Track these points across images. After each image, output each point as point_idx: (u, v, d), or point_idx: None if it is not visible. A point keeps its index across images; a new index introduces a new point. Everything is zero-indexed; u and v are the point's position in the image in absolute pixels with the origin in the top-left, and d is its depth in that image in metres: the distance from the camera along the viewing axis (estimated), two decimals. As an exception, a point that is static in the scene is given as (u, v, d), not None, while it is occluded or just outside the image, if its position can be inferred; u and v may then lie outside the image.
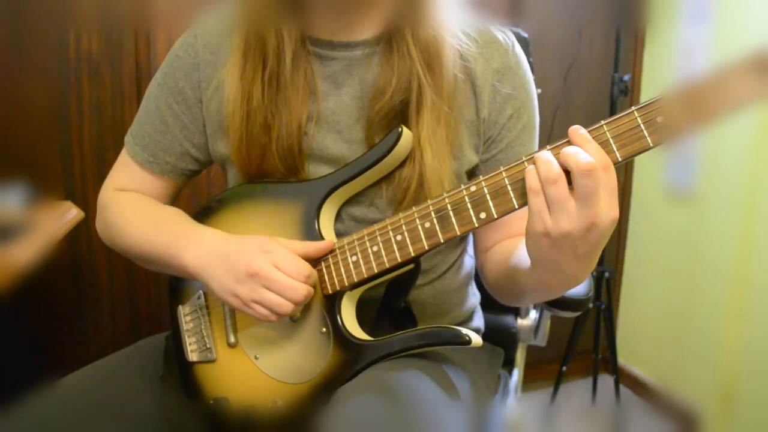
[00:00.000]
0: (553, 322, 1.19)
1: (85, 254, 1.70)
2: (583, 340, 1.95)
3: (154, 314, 1.80)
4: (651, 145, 0.64)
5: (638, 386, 2.17)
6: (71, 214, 1.39)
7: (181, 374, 0.90)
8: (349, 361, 0.79)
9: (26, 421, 0.77)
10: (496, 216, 0.71)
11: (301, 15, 0.83)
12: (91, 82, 1.63)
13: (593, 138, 0.65)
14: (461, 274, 0.97)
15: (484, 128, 0.86)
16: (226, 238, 0.82)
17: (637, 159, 0.67)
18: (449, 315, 0.95)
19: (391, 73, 0.82)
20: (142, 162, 0.93)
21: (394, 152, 0.80)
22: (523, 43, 0.93)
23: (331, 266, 0.80)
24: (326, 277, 0.81)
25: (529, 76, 0.89)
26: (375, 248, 0.78)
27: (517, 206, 0.69)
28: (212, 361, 0.87)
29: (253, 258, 0.76)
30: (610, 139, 0.65)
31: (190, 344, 0.89)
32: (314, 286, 0.79)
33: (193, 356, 0.88)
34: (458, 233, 0.73)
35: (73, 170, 1.65)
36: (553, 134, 1.94)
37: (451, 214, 0.73)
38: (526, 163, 0.68)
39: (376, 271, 0.78)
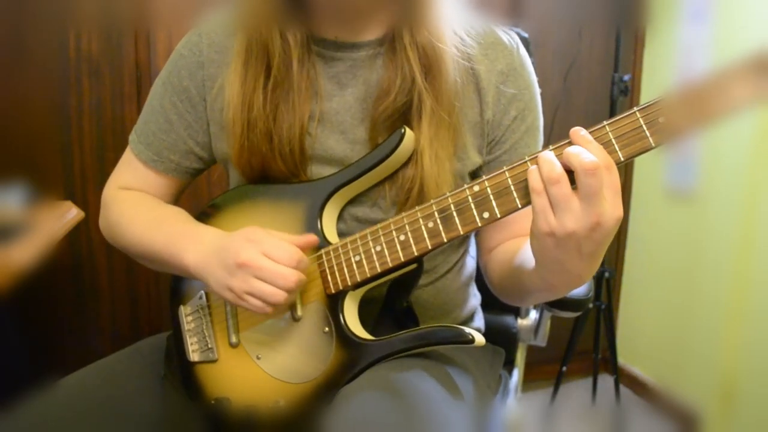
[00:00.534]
0: (553, 322, 1.19)
1: (85, 254, 1.70)
2: (583, 340, 1.95)
3: (155, 314, 1.80)
4: (653, 145, 0.64)
5: (638, 386, 2.17)
6: (71, 214, 1.39)
7: (182, 374, 0.90)
8: (352, 360, 0.79)
9: (26, 421, 0.77)
10: (499, 216, 0.71)
11: (305, 16, 0.83)
12: (91, 82, 1.63)
13: (595, 138, 0.65)
14: (463, 275, 0.97)
15: (488, 130, 0.86)
16: (221, 234, 0.82)
17: (637, 159, 0.67)
18: (450, 315, 0.95)
19: (394, 75, 0.82)
20: (146, 160, 0.93)
21: (397, 153, 0.81)
22: (523, 43, 0.93)
23: (334, 266, 0.80)
24: (329, 276, 0.80)
25: (534, 78, 0.89)
26: (378, 248, 0.78)
27: (520, 206, 0.70)
28: (214, 361, 0.87)
29: (241, 248, 0.76)
30: (613, 140, 0.65)
31: (191, 344, 0.89)
32: (317, 287, 0.79)
33: (194, 356, 0.88)
34: (461, 233, 0.73)
35: (73, 170, 1.65)
36: (553, 134, 1.93)
37: (455, 213, 0.73)
38: (528, 164, 0.68)
39: (379, 270, 0.78)
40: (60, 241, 1.31)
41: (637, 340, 2.20)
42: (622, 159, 0.65)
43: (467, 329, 0.76)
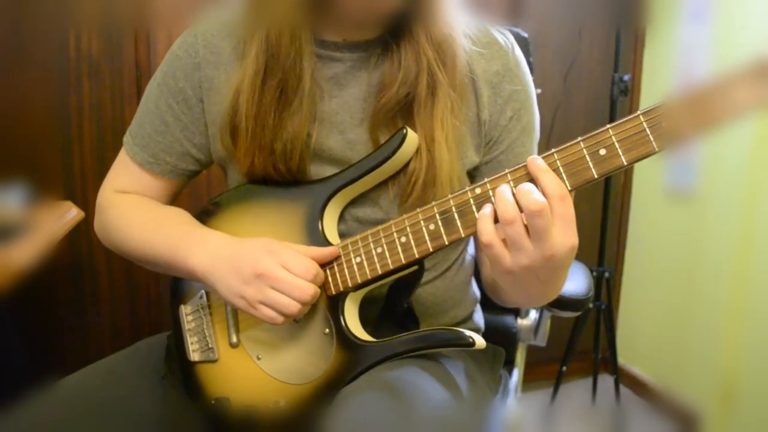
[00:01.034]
0: (553, 322, 1.19)
1: (85, 254, 1.70)
2: (583, 340, 1.95)
3: (154, 314, 1.80)
4: (656, 149, 0.64)
5: (638, 386, 2.17)
6: (71, 214, 1.39)
7: (182, 374, 0.90)
8: (352, 362, 0.79)
9: (26, 421, 0.77)
10: None
11: (316, 19, 0.82)
12: (91, 82, 1.63)
13: (599, 141, 0.66)
14: (463, 273, 0.97)
15: (485, 130, 0.87)
16: (231, 240, 0.82)
17: (638, 159, 0.67)
18: (450, 313, 0.95)
19: (397, 69, 0.82)
20: (141, 163, 0.93)
21: (399, 153, 0.80)
22: (523, 43, 0.93)
23: (335, 267, 0.80)
24: (330, 278, 0.80)
25: (529, 78, 0.90)
26: (379, 250, 0.78)
27: None
28: (214, 361, 0.87)
29: (260, 258, 0.76)
30: (616, 143, 0.65)
31: (191, 344, 0.89)
32: (320, 285, 0.79)
33: (194, 356, 0.88)
34: (463, 235, 0.73)
35: (73, 170, 1.65)
36: (553, 134, 1.95)
37: (456, 216, 0.73)
38: (511, 182, 0.69)
39: (380, 272, 0.78)
40: (60, 241, 1.31)
41: (637, 340, 2.20)
42: (625, 163, 0.66)
43: (467, 332, 0.76)
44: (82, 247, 1.69)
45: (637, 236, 2.21)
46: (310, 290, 0.76)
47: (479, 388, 0.88)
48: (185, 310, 0.90)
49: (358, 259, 0.79)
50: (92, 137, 1.65)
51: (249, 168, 0.85)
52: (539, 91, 0.93)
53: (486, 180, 0.71)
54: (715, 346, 1.85)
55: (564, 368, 1.93)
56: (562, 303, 1.04)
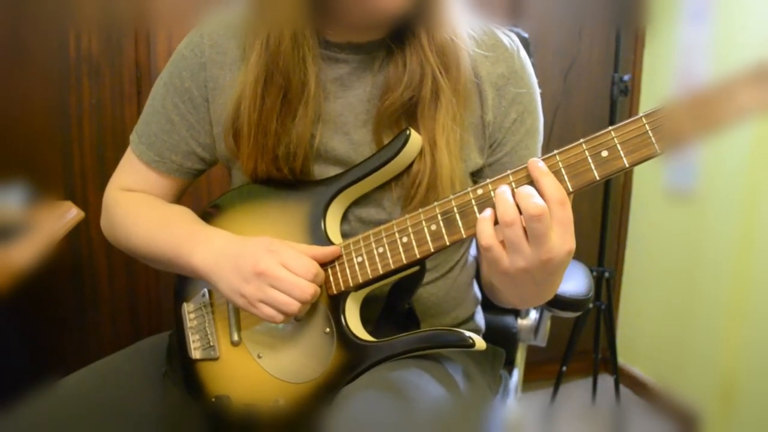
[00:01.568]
0: (553, 322, 1.19)
1: (85, 254, 1.70)
2: (583, 340, 1.95)
3: (154, 314, 1.80)
4: (659, 152, 0.64)
5: (638, 386, 2.17)
6: (71, 214, 1.39)
7: (183, 371, 0.90)
8: (352, 361, 0.79)
9: (26, 421, 0.77)
10: None
11: (319, 20, 0.82)
12: (91, 82, 1.63)
13: (601, 143, 0.66)
14: (464, 274, 0.97)
15: (489, 132, 0.87)
16: (233, 238, 0.82)
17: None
18: (451, 314, 0.95)
19: (402, 71, 0.82)
20: (147, 161, 0.93)
21: (402, 154, 0.81)
22: (523, 43, 0.93)
23: (336, 267, 0.80)
24: (331, 277, 0.81)
25: (534, 80, 0.90)
26: (380, 249, 0.78)
27: None
28: (215, 359, 0.87)
29: (261, 257, 0.76)
30: (618, 145, 0.65)
31: (193, 341, 0.89)
32: (320, 285, 0.79)
33: (196, 354, 0.88)
34: (464, 236, 0.73)
35: (73, 170, 1.65)
36: (553, 134, 1.94)
37: (458, 216, 0.73)
38: (513, 183, 0.69)
39: (381, 272, 0.78)
40: (60, 241, 1.31)
41: (637, 340, 2.20)
42: (627, 165, 0.65)
43: (468, 333, 0.76)
44: (82, 247, 1.69)
45: (637, 236, 2.21)
46: (310, 290, 0.76)
47: (479, 389, 0.88)
48: (188, 308, 0.90)
49: (360, 259, 0.79)
50: (92, 137, 1.65)
51: (253, 171, 0.85)
52: (539, 91, 0.93)
53: (488, 181, 0.71)
54: (715, 346, 1.85)
55: (564, 368, 1.93)
56: (562, 303, 1.04)
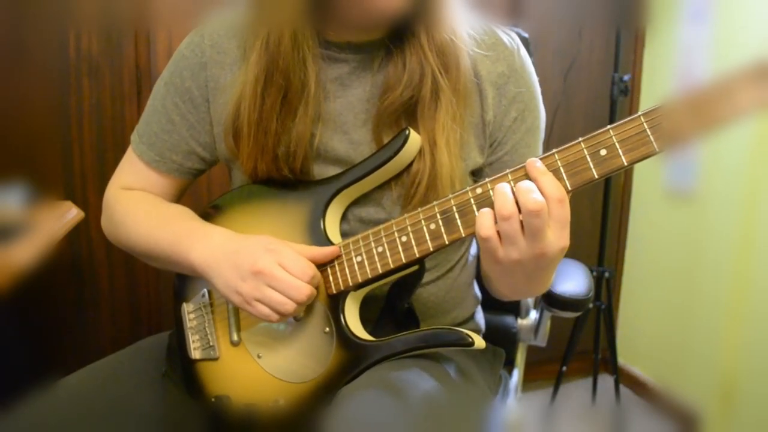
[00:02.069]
0: (553, 322, 1.19)
1: (85, 254, 1.70)
2: (583, 340, 1.95)
3: (154, 314, 1.80)
4: (657, 150, 0.64)
5: (638, 386, 2.17)
6: (71, 214, 1.39)
7: (183, 372, 0.90)
8: (352, 361, 0.79)
9: (27, 421, 0.77)
10: None
11: (318, 20, 0.82)
12: (91, 82, 1.62)
13: (600, 142, 0.66)
14: (465, 274, 0.97)
15: (489, 131, 0.87)
16: (232, 236, 0.82)
17: (638, 159, 0.67)
18: (451, 313, 0.95)
19: (402, 71, 0.82)
20: (148, 161, 0.93)
21: (401, 154, 0.81)
22: (524, 43, 0.93)
23: (336, 266, 0.80)
24: (330, 277, 0.81)
25: (534, 79, 0.90)
26: (380, 249, 0.78)
27: None
28: (215, 359, 0.87)
29: (259, 256, 0.77)
30: (616, 144, 0.65)
31: (193, 342, 0.89)
32: (318, 287, 0.79)
33: (195, 354, 0.88)
34: (463, 235, 0.73)
35: (73, 170, 1.65)
36: (553, 134, 1.94)
37: (457, 215, 0.73)
38: (512, 182, 0.69)
39: (380, 271, 0.78)
40: (60, 241, 1.31)
41: (637, 340, 2.20)
42: (626, 163, 0.66)
43: (467, 332, 0.76)
44: (82, 247, 1.69)
45: (637, 236, 2.21)
46: (306, 291, 0.76)
47: (479, 389, 0.88)
48: (187, 308, 0.90)
49: (359, 258, 0.79)
50: (92, 137, 1.65)
51: (252, 171, 0.85)
52: (540, 91, 0.93)
53: (487, 180, 0.71)
54: (715, 346, 1.85)
55: (564, 368, 1.93)
56: (562, 303, 1.04)
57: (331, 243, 0.82)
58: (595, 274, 1.90)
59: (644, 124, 0.64)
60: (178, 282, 0.92)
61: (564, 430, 1.98)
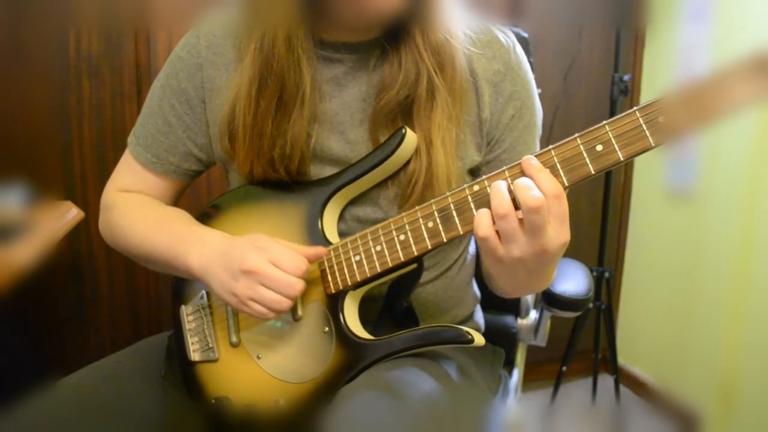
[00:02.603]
0: (553, 322, 1.19)
1: (85, 254, 1.70)
2: (583, 340, 1.95)
3: (154, 314, 1.80)
4: (653, 144, 0.64)
5: (638, 386, 2.17)
6: (71, 214, 1.39)
7: (183, 373, 0.90)
8: (352, 360, 0.79)
9: (27, 421, 0.77)
10: None
11: (313, 20, 0.82)
12: (91, 82, 1.63)
13: (596, 137, 0.66)
14: (463, 273, 0.97)
15: (486, 129, 0.87)
16: (225, 238, 0.82)
17: (637, 159, 0.68)
18: (450, 313, 0.95)
19: (397, 70, 0.82)
20: (145, 162, 0.93)
21: (398, 153, 0.81)
22: (523, 43, 0.93)
23: (334, 266, 0.80)
24: (329, 276, 0.81)
25: (530, 76, 0.90)
26: (378, 248, 0.78)
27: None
28: (214, 361, 0.87)
29: (248, 255, 0.76)
30: (612, 139, 0.65)
31: (192, 344, 0.89)
32: (317, 286, 0.79)
33: (195, 356, 0.88)
34: (461, 233, 0.73)
35: (73, 170, 1.65)
36: (552, 134, 1.94)
37: (454, 213, 0.73)
38: (509, 179, 0.69)
39: (379, 270, 0.78)
40: (60, 241, 1.31)
41: (637, 340, 2.20)
42: (622, 159, 0.66)
43: (467, 329, 0.76)
44: (82, 247, 1.69)
45: (637, 236, 2.21)
46: (299, 286, 0.76)
47: (478, 388, 0.88)
48: (186, 311, 0.90)
49: (358, 258, 0.79)
50: (92, 137, 1.65)
51: (248, 173, 0.85)
52: (539, 90, 0.93)
53: (484, 177, 0.71)
54: (715, 346, 1.85)
55: (564, 368, 1.93)
56: (562, 303, 1.04)
57: (329, 242, 0.82)
58: (595, 274, 1.90)
59: (640, 119, 0.64)
60: (176, 284, 0.92)
61: (564, 430, 1.98)
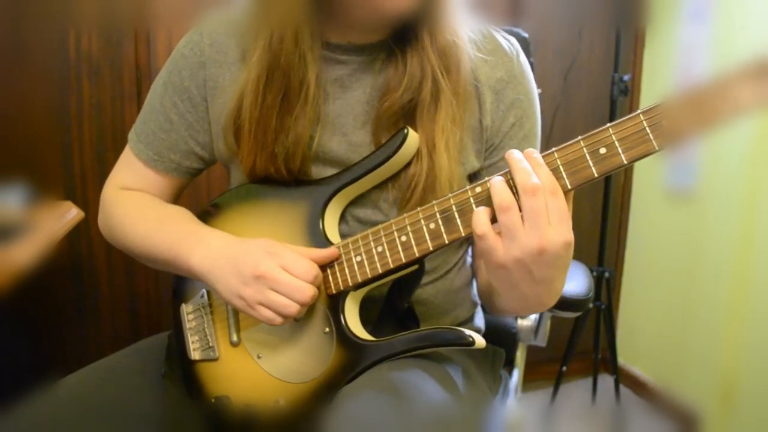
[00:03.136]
0: (553, 322, 1.19)
1: (85, 254, 1.70)
2: (583, 340, 1.95)
3: (154, 314, 1.80)
4: (657, 148, 0.64)
5: (638, 386, 2.17)
6: (71, 214, 1.39)
7: (183, 372, 0.90)
8: (352, 361, 0.79)
9: (27, 421, 0.77)
10: None
11: (320, 21, 0.82)
12: (91, 82, 1.63)
13: (599, 140, 0.66)
14: (464, 275, 0.97)
15: (486, 136, 0.87)
16: (231, 240, 0.82)
17: (638, 159, 0.67)
18: (451, 314, 0.95)
19: (402, 73, 0.82)
20: (146, 160, 0.93)
21: (400, 153, 0.81)
22: (523, 43, 0.93)
23: (335, 266, 0.80)
24: (330, 277, 0.81)
25: (533, 85, 0.90)
26: (379, 249, 0.78)
27: None
28: (214, 360, 0.87)
29: (260, 260, 0.76)
30: (616, 142, 0.65)
31: (192, 342, 0.89)
32: (318, 287, 0.79)
33: (195, 354, 0.88)
34: (463, 234, 0.73)
35: (73, 170, 1.65)
36: (553, 134, 1.95)
37: (456, 215, 0.73)
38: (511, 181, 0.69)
39: (380, 271, 0.78)
40: (60, 241, 1.31)
41: (637, 340, 2.20)
42: (625, 162, 0.66)
43: (468, 331, 0.76)
44: (82, 247, 1.69)
45: (637, 236, 2.21)
46: (309, 292, 0.76)
47: (479, 389, 0.88)
48: (186, 309, 0.90)
49: (359, 258, 0.79)
50: (92, 137, 1.65)
51: (251, 168, 0.85)
52: (539, 91, 0.93)
53: (486, 179, 0.71)
54: (715, 346, 1.85)
55: (564, 368, 1.93)
56: (562, 303, 1.03)
57: (330, 243, 0.82)
58: (595, 274, 1.90)
59: (644, 122, 0.64)
60: (176, 283, 0.92)
61: (564, 430, 1.98)
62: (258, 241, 0.80)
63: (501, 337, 1.15)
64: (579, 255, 1.07)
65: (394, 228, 0.77)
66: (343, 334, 0.79)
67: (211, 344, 0.88)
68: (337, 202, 0.84)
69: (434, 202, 0.74)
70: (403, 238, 0.76)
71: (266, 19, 0.82)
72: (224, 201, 0.90)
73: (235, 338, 0.86)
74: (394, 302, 0.83)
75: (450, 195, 0.73)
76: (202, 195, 1.70)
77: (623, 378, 2.14)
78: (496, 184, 0.67)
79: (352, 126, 0.85)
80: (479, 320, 1.02)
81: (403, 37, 0.82)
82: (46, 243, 1.22)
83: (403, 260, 0.76)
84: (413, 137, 0.81)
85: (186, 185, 0.98)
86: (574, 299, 1.04)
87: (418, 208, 0.76)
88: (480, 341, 0.76)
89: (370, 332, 0.81)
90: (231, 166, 0.92)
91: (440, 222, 0.74)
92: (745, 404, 1.75)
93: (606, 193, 1.93)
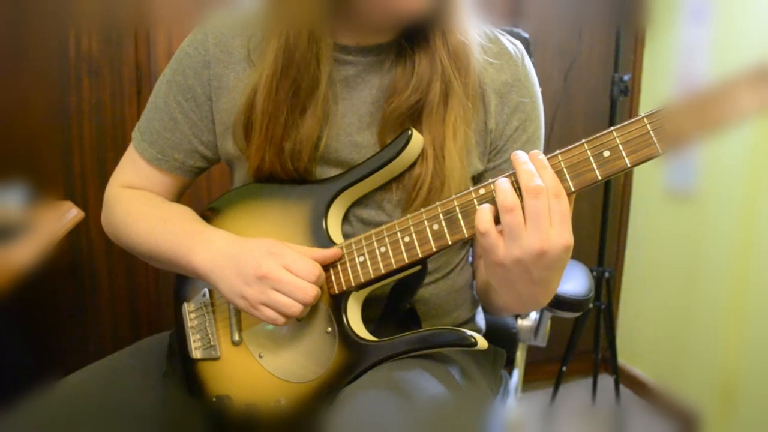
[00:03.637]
0: (553, 322, 1.19)
1: (85, 254, 1.70)
2: (583, 340, 1.95)
3: (154, 314, 1.80)
4: (660, 152, 0.64)
5: (638, 386, 2.17)
6: (71, 214, 1.39)
7: (184, 371, 0.90)
8: (354, 361, 0.79)
9: (27, 421, 0.77)
10: None
11: (332, 22, 0.82)
12: (91, 82, 1.63)
13: (603, 143, 0.66)
14: (465, 275, 0.97)
15: (490, 138, 0.87)
16: (234, 239, 0.82)
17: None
18: (452, 314, 0.95)
19: (410, 74, 0.82)
20: (150, 159, 0.93)
21: (404, 154, 0.81)
22: (523, 43, 0.93)
23: (338, 266, 0.80)
24: (333, 276, 0.81)
25: (537, 89, 0.90)
26: (382, 249, 0.78)
27: None
28: (216, 359, 0.87)
29: (263, 260, 0.76)
30: (620, 145, 0.65)
31: (194, 341, 0.89)
32: (321, 287, 0.79)
33: (197, 353, 0.88)
34: (466, 235, 0.73)
35: (73, 170, 1.65)
36: (553, 134, 1.95)
37: (460, 216, 0.73)
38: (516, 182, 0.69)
39: (383, 271, 0.78)
40: (60, 241, 1.31)
41: (637, 340, 2.20)
42: (629, 165, 0.66)
43: (470, 332, 0.76)
44: (82, 247, 1.69)
45: (637, 236, 2.21)
46: (312, 292, 0.76)
47: (480, 389, 0.88)
48: (188, 308, 0.90)
49: (362, 259, 0.79)
50: (92, 137, 1.65)
51: (258, 164, 0.85)
52: (542, 100, 0.94)
53: (490, 181, 0.71)
54: (715, 346, 1.85)
55: (564, 368, 1.93)
56: (562, 303, 1.04)
57: (333, 243, 0.82)
58: (595, 274, 1.90)
59: (648, 125, 0.64)
60: (178, 282, 0.92)
61: (564, 430, 1.98)
62: (261, 241, 0.80)
63: (501, 337, 1.15)
64: (579, 255, 1.07)
65: (397, 228, 0.77)
66: (345, 335, 0.79)
67: (212, 343, 0.87)
68: (341, 202, 0.84)
69: (438, 203, 0.74)
70: (406, 239, 0.76)
71: (282, 19, 0.82)
72: (227, 200, 0.90)
73: (236, 337, 0.86)
74: (397, 303, 0.83)
75: (454, 196, 0.73)
76: (203, 195, 1.70)
77: (623, 378, 2.14)
78: (501, 184, 0.67)
79: (357, 127, 0.85)
80: (480, 320, 1.02)
81: (413, 38, 0.82)
82: (46, 243, 1.22)
83: (406, 261, 0.76)
84: (417, 138, 0.81)
85: (189, 184, 0.98)
86: (574, 299, 1.04)
87: (422, 209, 0.75)
88: (482, 342, 0.76)
89: (371, 332, 0.81)
90: (236, 164, 0.92)
91: (444, 223, 0.74)
92: (745, 404, 1.75)
93: (606, 194, 1.93)
